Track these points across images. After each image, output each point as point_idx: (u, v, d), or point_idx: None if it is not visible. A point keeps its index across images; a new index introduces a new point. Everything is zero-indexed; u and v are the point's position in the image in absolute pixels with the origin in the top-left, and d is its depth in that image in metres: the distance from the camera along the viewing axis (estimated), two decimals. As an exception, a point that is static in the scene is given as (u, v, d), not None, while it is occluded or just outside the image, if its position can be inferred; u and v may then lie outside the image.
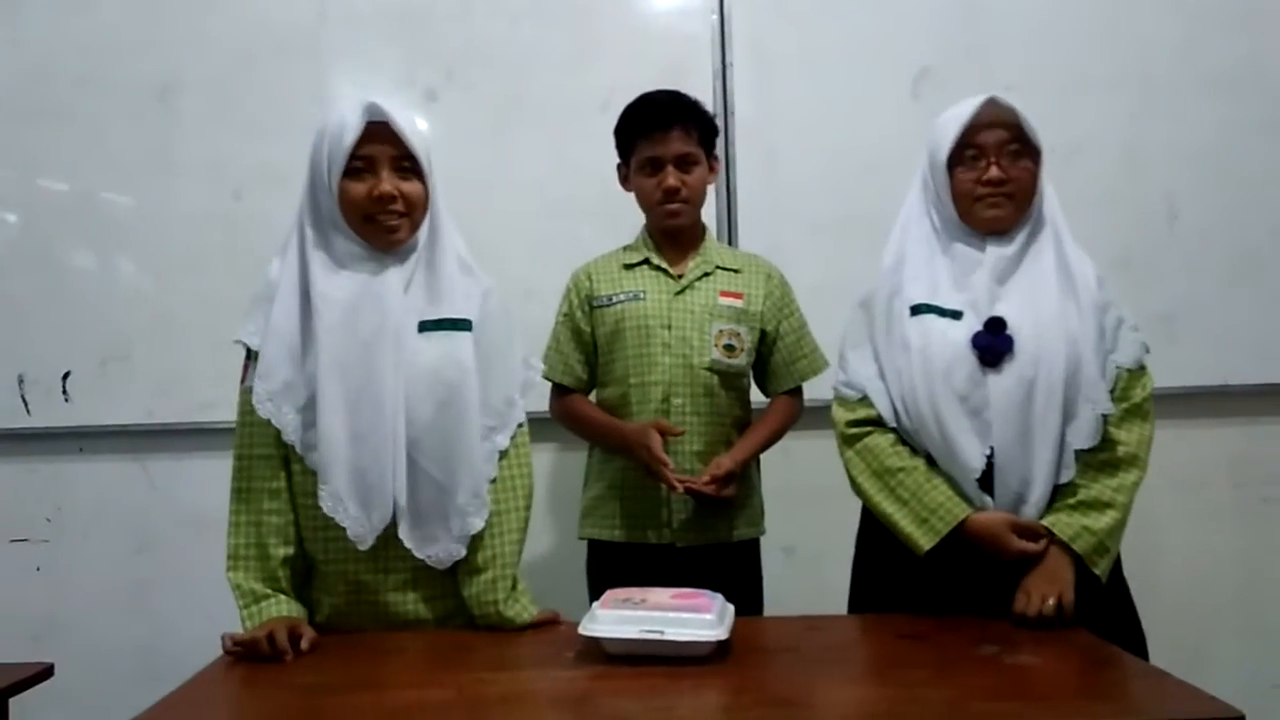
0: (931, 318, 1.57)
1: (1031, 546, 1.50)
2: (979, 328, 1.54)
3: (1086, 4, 2.50)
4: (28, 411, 2.46)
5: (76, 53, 2.47)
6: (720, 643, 1.34)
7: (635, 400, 1.98)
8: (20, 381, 2.45)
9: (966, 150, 1.58)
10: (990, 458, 1.52)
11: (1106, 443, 1.53)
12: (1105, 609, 1.53)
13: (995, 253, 1.58)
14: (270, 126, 2.42)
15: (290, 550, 1.51)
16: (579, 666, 1.34)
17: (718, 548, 1.97)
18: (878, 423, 1.61)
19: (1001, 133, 1.57)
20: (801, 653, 1.41)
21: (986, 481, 1.54)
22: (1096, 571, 1.49)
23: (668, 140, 1.95)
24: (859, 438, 1.62)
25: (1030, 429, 1.51)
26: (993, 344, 1.53)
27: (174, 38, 2.48)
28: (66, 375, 2.46)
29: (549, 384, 2.07)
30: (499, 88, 2.48)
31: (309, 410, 1.46)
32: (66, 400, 2.46)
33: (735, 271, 2.04)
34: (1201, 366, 2.46)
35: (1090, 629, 1.45)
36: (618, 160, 2.04)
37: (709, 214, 2.40)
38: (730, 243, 2.45)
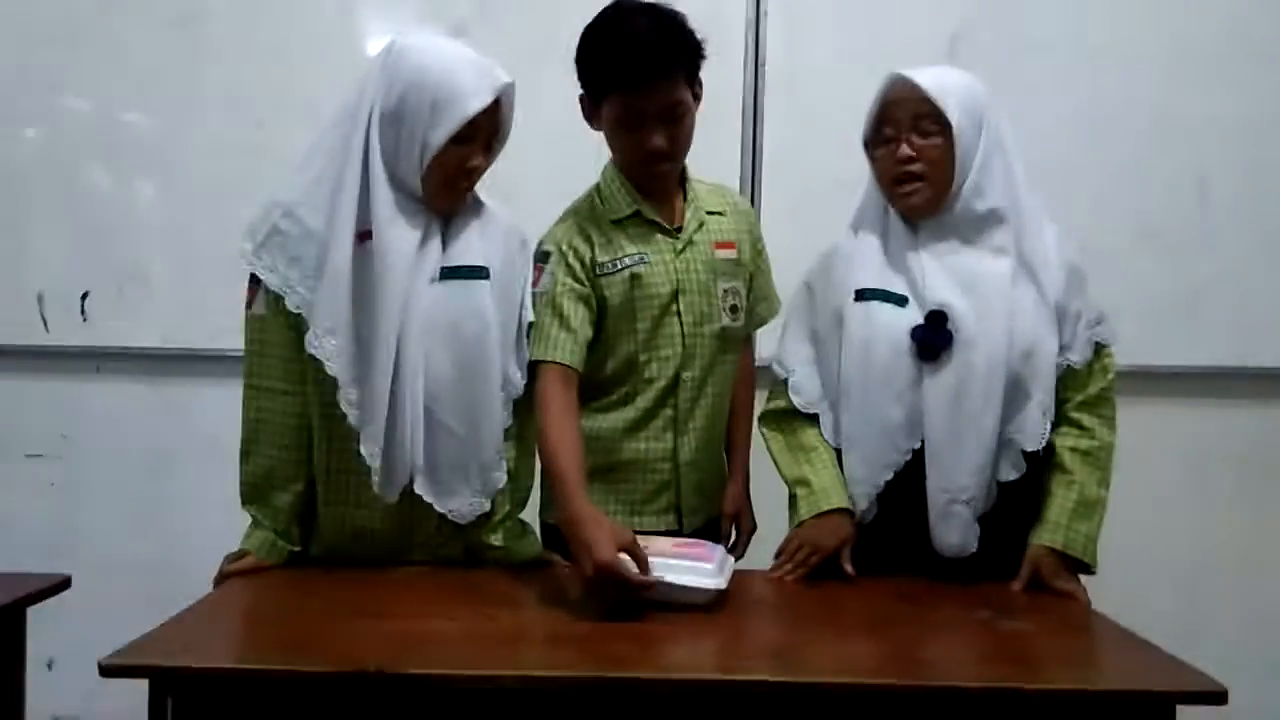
0: (876, 304, 1.54)
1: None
2: (920, 319, 1.50)
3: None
4: (46, 329, 2.48)
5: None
6: (719, 592, 1.36)
7: (642, 377, 1.68)
8: (40, 299, 2.47)
9: (883, 129, 1.55)
10: (921, 452, 1.50)
11: (1083, 430, 1.54)
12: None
13: (927, 238, 1.54)
14: (294, 57, 2.40)
15: (299, 486, 1.51)
16: (580, 608, 1.35)
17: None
18: (794, 413, 1.64)
19: (913, 108, 1.52)
20: (799, 608, 1.44)
21: (917, 476, 1.51)
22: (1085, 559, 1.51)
23: (653, 94, 1.57)
24: (777, 418, 1.68)
25: (962, 427, 1.48)
26: (930, 338, 1.49)
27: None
28: (85, 295, 2.47)
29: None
30: (531, 24, 2.41)
31: (357, 364, 1.42)
32: (85, 320, 2.48)
33: (720, 215, 1.76)
34: (1221, 346, 2.44)
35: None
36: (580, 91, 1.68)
37: (732, 168, 2.38)
38: (754, 200, 2.37)
